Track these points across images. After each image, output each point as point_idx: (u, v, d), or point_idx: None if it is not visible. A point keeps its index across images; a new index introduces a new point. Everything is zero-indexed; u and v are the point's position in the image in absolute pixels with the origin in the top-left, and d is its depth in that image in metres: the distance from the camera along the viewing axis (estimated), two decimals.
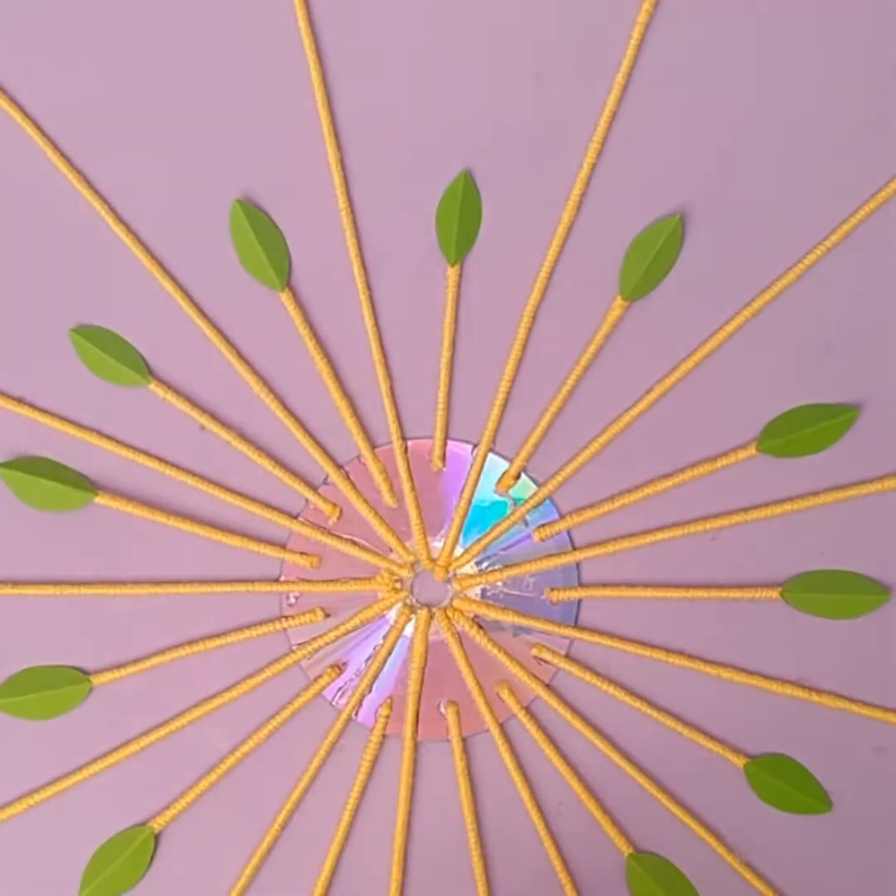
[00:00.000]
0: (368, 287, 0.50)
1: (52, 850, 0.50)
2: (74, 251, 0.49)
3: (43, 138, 0.49)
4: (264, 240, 0.49)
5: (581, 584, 0.50)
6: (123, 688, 0.50)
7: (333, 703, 0.50)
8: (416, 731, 0.50)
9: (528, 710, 0.50)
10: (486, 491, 0.51)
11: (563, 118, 0.49)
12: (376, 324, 0.50)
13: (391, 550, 0.51)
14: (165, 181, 0.49)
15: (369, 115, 0.49)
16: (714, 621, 0.50)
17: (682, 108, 0.49)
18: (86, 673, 0.49)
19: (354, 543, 0.50)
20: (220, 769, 0.49)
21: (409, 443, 0.51)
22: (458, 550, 0.51)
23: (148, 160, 0.49)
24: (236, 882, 0.49)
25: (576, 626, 0.50)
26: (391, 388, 0.50)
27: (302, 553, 0.50)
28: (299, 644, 0.50)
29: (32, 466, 0.49)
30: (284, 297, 0.49)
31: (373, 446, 0.50)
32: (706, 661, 0.49)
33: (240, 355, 0.50)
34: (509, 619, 0.50)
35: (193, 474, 0.50)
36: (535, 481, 0.50)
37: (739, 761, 0.49)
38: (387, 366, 0.50)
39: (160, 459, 0.50)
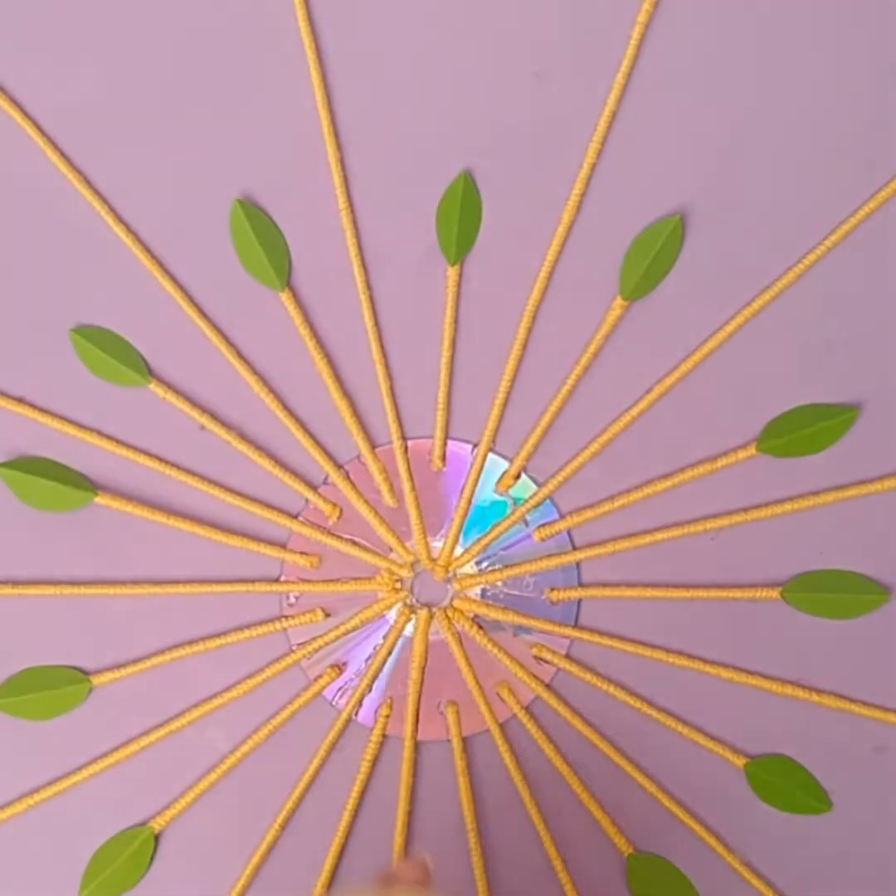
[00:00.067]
0: (368, 287, 0.50)
1: (52, 850, 0.50)
2: (74, 251, 0.50)
3: (43, 138, 0.49)
4: (264, 240, 0.49)
5: (581, 584, 0.50)
6: (123, 688, 0.50)
7: (333, 703, 0.50)
8: (416, 731, 0.50)
9: (528, 710, 0.50)
10: (486, 491, 0.51)
11: (563, 118, 0.49)
12: (376, 324, 0.50)
13: (391, 550, 0.51)
14: (165, 181, 0.49)
15: (369, 115, 0.49)
16: (714, 621, 0.49)
17: (682, 108, 0.49)
18: (86, 673, 0.49)
19: (354, 543, 0.50)
20: (220, 769, 0.49)
21: (409, 443, 0.51)
22: (458, 550, 0.51)
23: (148, 160, 0.49)
24: (236, 882, 0.49)
25: (576, 626, 0.50)
26: (391, 388, 0.50)
27: (302, 553, 0.50)
28: (299, 644, 0.50)
29: (32, 466, 0.49)
30: (284, 297, 0.49)
31: (373, 446, 0.50)
32: (706, 661, 0.49)
33: (240, 355, 0.50)
34: (509, 619, 0.50)
35: (193, 474, 0.50)
36: (535, 481, 0.50)
37: (739, 761, 0.49)
38: (387, 366, 0.50)
39: (160, 459, 0.50)
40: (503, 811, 0.49)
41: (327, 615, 0.50)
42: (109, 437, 0.50)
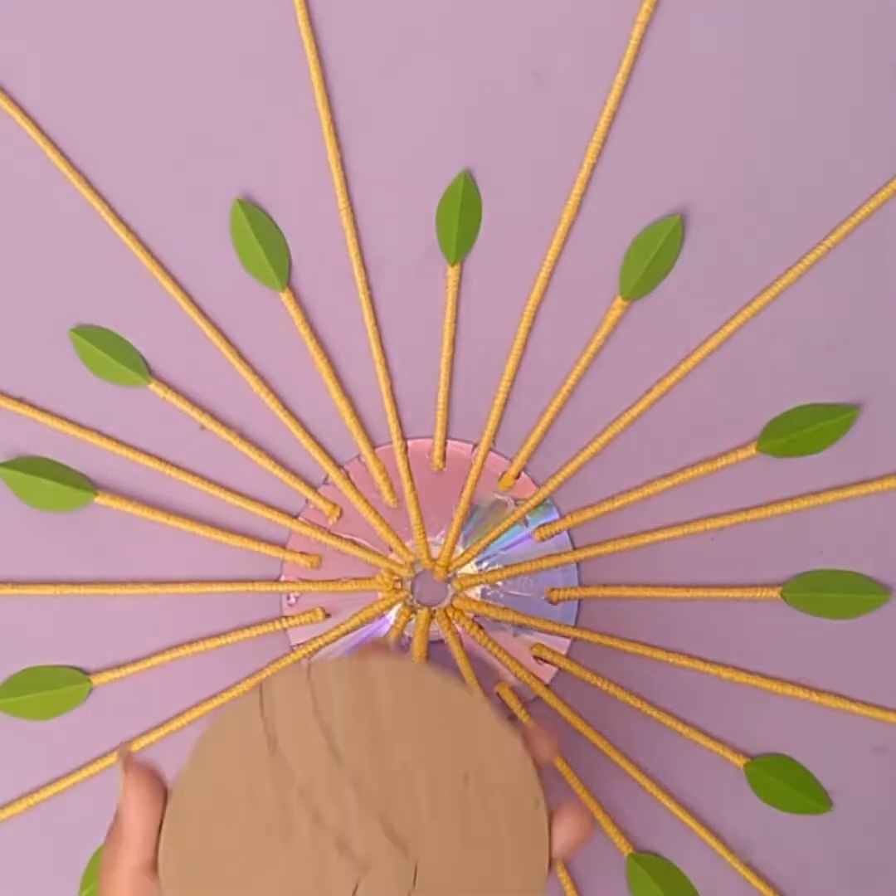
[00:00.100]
0: (368, 287, 0.50)
1: (52, 850, 0.50)
2: (74, 251, 0.49)
3: (43, 138, 0.49)
4: (264, 240, 0.49)
5: (581, 584, 0.50)
6: (123, 688, 0.50)
7: None
8: None
9: (528, 709, 0.50)
10: (487, 491, 0.51)
11: (563, 118, 0.49)
12: (376, 324, 0.50)
13: (391, 550, 0.51)
14: (165, 181, 0.49)
15: (369, 115, 0.49)
16: (714, 621, 0.50)
17: (682, 108, 0.49)
18: (86, 673, 0.49)
19: (354, 543, 0.50)
20: None
21: (409, 443, 0.51)
22: (459, 550, 0.51)
23: (148, 160, 0.49)
24: None
25: (576, 626, 0.50)
26: (391, 388, 0.50)
27: (302, 553, 0.50)
28: (299, 644, 0.50)
29: (32, 466, 0.49)
30: (284, 297, 0.49)
31: (373, 446, 0.50)
32: (706, 661, 0.49)
33: (240, 355, 0.50)
34: (509, 619, 0.50)
35: (193, 474, 0.50)
36: (534, 481, 0.50)
37: (739, 761, 0.49)
38: (387, 366, 0.50)
39: (160, 459, 0.50)
40: None
41: (327, 615, 0.50)
42: (109, 437, 0.50)
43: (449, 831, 0.32)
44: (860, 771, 0.49)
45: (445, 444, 0.50)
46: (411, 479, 0.50)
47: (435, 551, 0.51)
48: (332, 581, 0.50)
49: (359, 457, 0.50)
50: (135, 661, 0.50)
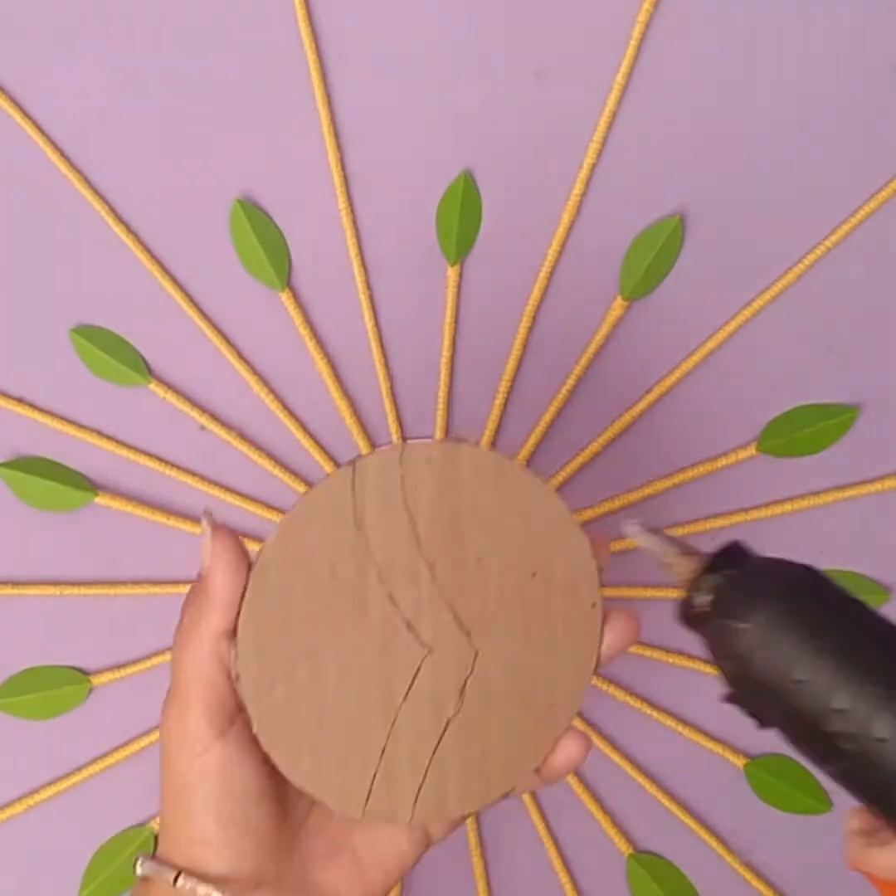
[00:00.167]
0: (368, 287, 0.50)
1: (52, 850, 0.50)
2: (74, 251, 0.49)
3: (43, 138, 0.49)
4: (264, 240, 0.49)
5: None
6: (123, 688, 0.50)
7: None
8: None
9: None
10: None
11: (563, 118, 0.49)
12: (376, 324, 0.50)
13: None
14: (165, 181, 0.49)
15: (369, 115, 0.49)
16: None
17: (681, 109, 0.49)
18: (86, 673, 0.49)
19: None
20: None
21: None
22: None
23: (148, 160, 0.49)
24: None
25: None
26: (391, 388, 0.50)
27: None
28: None
29: (32, 466, 0.49)
30: (284, 297, 0.49)
31: (373, 446, 0.50)
32: (706, 661, 0.49)
33: (240, 355, 0.50)
34: None
35: (193, 474, 0.50)
36: None
37: (739, 761, 0.49)
38: (387, 366, 0.50)
39: (160, 459, 0.50)
40: (503, 811, 0.49)
41: None
42: (109, 437, 0.50)
43: (511, 625, 0.34)
44: None
45: None
46: None
47: None
48: None
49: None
50: (135, 661, 0.49)
